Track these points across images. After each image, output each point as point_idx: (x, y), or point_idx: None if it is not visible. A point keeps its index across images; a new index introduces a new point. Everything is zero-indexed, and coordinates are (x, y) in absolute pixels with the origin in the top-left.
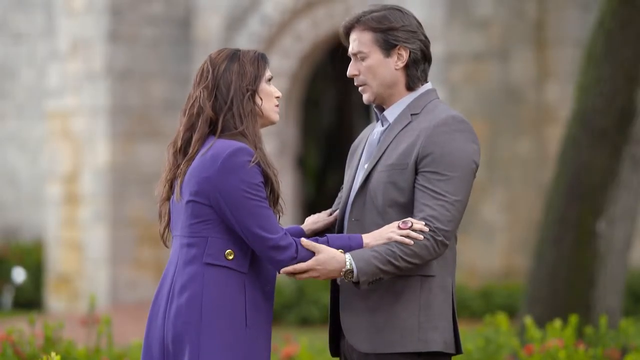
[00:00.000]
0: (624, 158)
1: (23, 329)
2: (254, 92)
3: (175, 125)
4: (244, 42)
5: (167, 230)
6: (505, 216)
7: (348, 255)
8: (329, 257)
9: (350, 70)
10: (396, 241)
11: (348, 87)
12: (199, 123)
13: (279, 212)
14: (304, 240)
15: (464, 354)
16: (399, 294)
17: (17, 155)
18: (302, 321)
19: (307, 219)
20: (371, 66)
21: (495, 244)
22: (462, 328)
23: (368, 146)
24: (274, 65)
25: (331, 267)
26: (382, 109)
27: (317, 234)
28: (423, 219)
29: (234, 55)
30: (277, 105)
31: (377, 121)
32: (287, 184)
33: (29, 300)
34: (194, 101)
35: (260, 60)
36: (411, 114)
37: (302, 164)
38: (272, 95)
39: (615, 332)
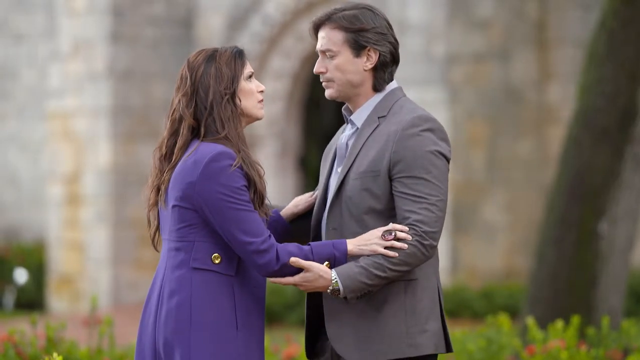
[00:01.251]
0: (626, 158)
1: (25, 329)
2: (233, 94)
3: None
4: (246, 42)
5: (157, 234)
6: (506, 216)
7: (334, 273)
8: (317, 275)
9: (317, 67)
10: (381, 254)
11: None
12: (182, 130)
13: (265, 213)
14: (292, 259)
15: (466, 355)
16: (383, 301)
17: (18, 156)
18: (304, 322)
19: (293, 201)
20: (339, 65)
21: (496, 244)
22: (463, 329)
23: (338, 150)
24: (275, 65)
25: (318, 284)
26: (350, 112)
27: (299, 217)
28: (410, 225)
29: (211, 58)
30: (260, 101)
31: (347, 123)
32: (289, 185)
33: (31, 301)
34: (175, 109)
35: (236, 59)
36: (378, 117)
37: (304, 165)
38: (253, 93)
39: (617, 332)
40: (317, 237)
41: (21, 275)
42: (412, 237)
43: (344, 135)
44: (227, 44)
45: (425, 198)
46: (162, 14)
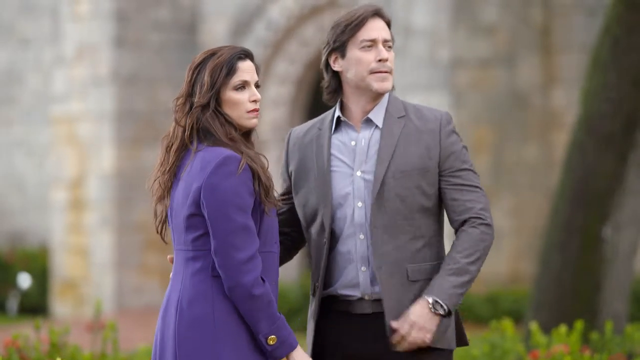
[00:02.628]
0: (630, 164)
1: (29, 334)
2: (207, 104)
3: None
4: (250, 47)
5: (164, 226)
6: (511, 222)
7: (431, 299)
8: (420, 314)
9: (385, 55)
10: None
11: None
12: (177, 132)
13: (274, 204)
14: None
15: (470, 359)
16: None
17: (23, 161)
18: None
19: None
20: (392, 57)
21: (502, 249)
22: (467, 333)
23: (351, 152)
24: (279, 70)
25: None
26: (343, 111)
27: None
28: (477, 214)
29: (205, 61)
30: (251, 111)
31: (340, 126)
32: None
33: (35, 305)
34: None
35: (222, 68)
36: (398, 117)
37: None
38: (241, 103)
39: (620, 337)
40: (332, 237)
41: (25, 280)
42: (482, 228)
43: (360, 136)
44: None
45: (478, 187)
46: (166, 19)
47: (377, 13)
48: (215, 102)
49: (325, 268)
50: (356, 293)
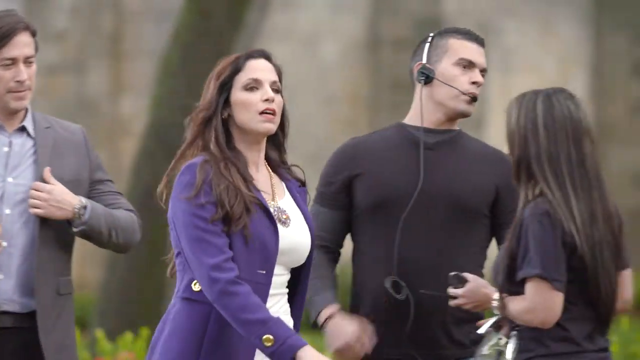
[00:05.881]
0: None
1: None
2: (215, 107)
3: None
4: None
5: None
6: None
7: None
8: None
9: (22, 76)
10: None
11: None
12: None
13: (239, 231)
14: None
15: None
16: None
17: None
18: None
19: None
20: (31, 72)
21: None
22: None
23: (3, 157)
24: None
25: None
26: None
27: None
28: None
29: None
30: (263, 112)
31: None
32: None
33: None
34: None
35: (230, 65)
36: (45, 127)
37: None
38: (251, 104)
39: None
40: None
41: None
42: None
43: (13, 141)
44: None
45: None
46: None
47: (16, 30)
48: (221, 108)
49: None
50: None
